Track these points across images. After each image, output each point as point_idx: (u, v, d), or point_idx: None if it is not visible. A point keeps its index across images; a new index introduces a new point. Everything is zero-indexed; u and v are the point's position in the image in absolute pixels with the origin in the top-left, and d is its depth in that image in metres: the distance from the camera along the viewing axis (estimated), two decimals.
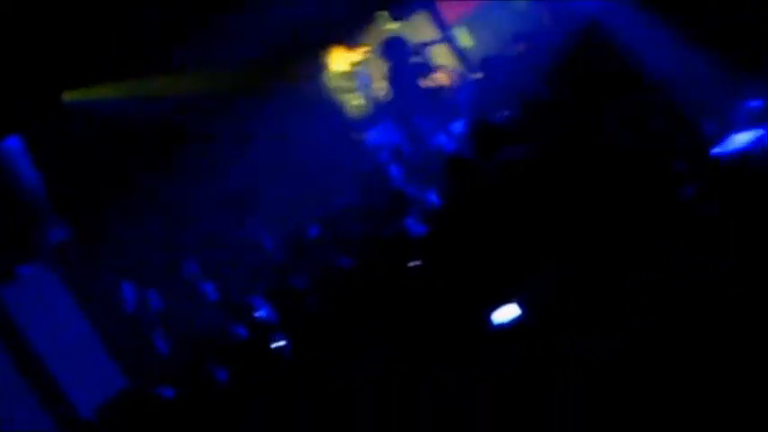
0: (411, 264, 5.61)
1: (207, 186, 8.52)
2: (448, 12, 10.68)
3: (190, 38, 8.42)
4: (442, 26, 10.57)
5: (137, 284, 7.82)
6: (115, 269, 7.85)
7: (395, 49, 10.63)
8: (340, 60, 9.29)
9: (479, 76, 8.68)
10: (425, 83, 9.17)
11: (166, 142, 8.47)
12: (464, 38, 10.61)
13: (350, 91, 9.06)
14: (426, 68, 10.38)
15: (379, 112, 9.17)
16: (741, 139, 4.05)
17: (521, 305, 4.33)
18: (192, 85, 8.82)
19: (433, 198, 6.69)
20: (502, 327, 4.39)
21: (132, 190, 8.32)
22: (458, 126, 8.81)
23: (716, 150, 4.79)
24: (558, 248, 4.38)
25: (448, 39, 10.41)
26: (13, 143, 7.89)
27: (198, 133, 8.60)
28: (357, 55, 9.47)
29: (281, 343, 5.69)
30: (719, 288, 3.60)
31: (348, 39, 9.71)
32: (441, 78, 9.18)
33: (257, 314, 6.72)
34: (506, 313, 4.34)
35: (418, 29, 10.51)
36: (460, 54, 10.15)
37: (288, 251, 8.00)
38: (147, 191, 8.29)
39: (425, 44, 10.22)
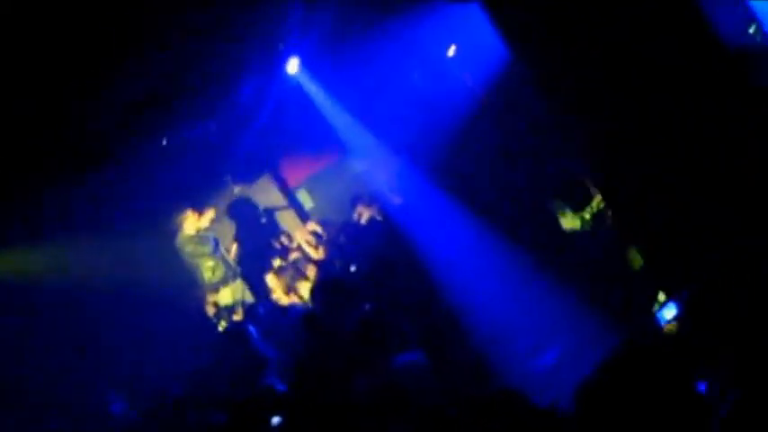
0: (274, 421, 5.96)
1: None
2: (289, 176, 11.57)
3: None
4: (285, 189, 11.40)
5: None
6: None
7: (241, 211, 11.31)
8: (190, 224, 9.67)
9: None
10: (274, 244, 9.77)
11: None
12: (306, 200, 11.48)
13: (202, 255, 9.48)
14: (273, 229, 11.12)
15: (232, 273, 9.63)
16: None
17: None
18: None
19: (290, 356, 7.15)
20: None
21: None
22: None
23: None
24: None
25: (291, 201, 11.21)
26: None
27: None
28: (205, 219, 9.90)
29: None
30: None
31: (196, 203, 10.18)
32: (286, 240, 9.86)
33: None
34: None
35: (263, 192, 11.27)
36: (304, 216, 10.93)
37: (144, 413, 8.12)
38: None
39: (272, 208, 10.97)
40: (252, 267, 9.86)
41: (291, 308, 8.28)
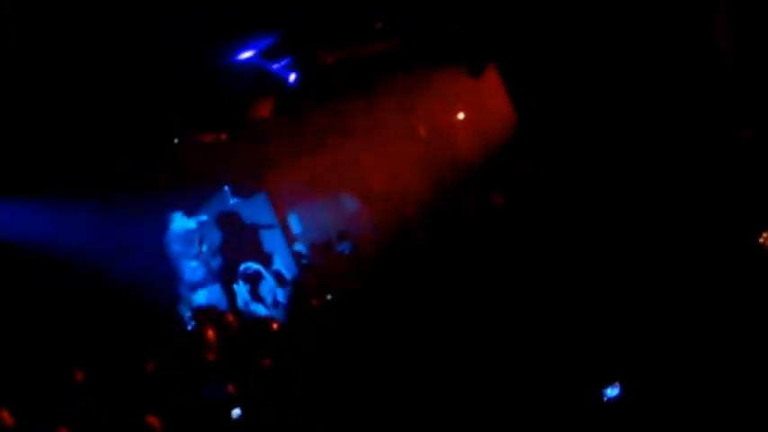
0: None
1: None
2: (285, 198, 12.02)
3: None
4: (277, 210, 11.83)
5: None
6: None
7: (230, 222, 11.72)
8: (180, 224, 10.05)
9: None
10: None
11: None
12: (295, 224, 11.93)
13: (186, 255, 9.85)
14: (256, 244, 11.53)
15: (211, 276, 9.99)
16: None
17: None
18: None
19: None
20: None
21: None
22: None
23: None
24: None
25: (279, 223, 11.64)
26: None
27: None
28: (194, 221, 10.29)
29: None
30: None
31: (190, 204, 10.58)
32: None
33: None
34: None
35: (256, 208, 11.69)
36: (293, 236, 11.36)
37: None
38: None
39: (259, 225, 11.39)
40: (228, 275, 10.26)
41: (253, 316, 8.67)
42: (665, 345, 5.30)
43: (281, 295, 10.04)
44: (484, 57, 8.09)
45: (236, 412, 5.64)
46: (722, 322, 5.19)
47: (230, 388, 6.42)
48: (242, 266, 10.25)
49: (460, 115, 12.50)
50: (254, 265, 10.17)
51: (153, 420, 5.99)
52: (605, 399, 4.93)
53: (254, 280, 10.13)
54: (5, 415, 6.82)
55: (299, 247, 10.47)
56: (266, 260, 10.87)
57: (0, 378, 7.63)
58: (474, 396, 5.37)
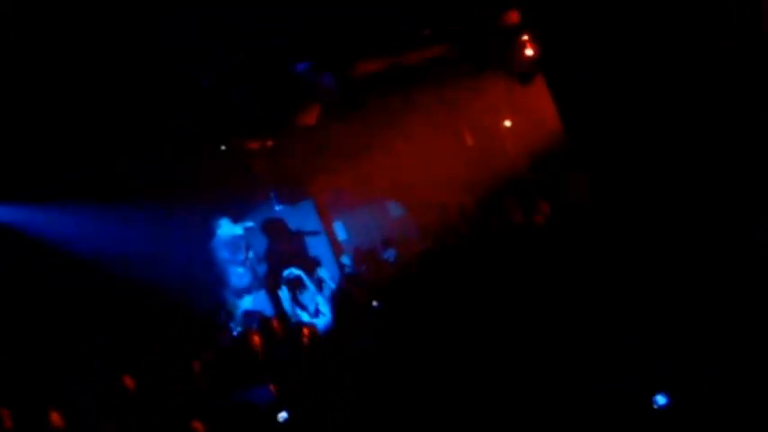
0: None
1: None
2: (330, 206, 12.07)
3: None
4: (323, 217, 11.88)
5: None
6: None
7: (275, 228, 11.79)
8: (226, 230, 10.13)
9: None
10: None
11: None
12: (340, 231, 11.96)
13: (232, 261, 9.93)
14: (300, 251, 11.59)
15: (257, 283, 10.06)
16: None
17: None
18: None
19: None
20: None
21: None
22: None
23: None
24: None
25: (324, 230, 11.69)
26: None
27: None
28: (240, 228, 10.35)
29: None
30: None
31: (235, 213, 10.68)
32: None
33: None
34: None
35: (302, 216, 11.76)
36: (338, 243, 11.39)
37: None
38: None
39: (306, 232, 11.45)
40: (273, 281, 10.32)
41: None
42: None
43: (322, 303, 10.05)
44: (532, 64, 8.03)
45: (282, 416, 5.64)
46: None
47: (275, 391, 6.44)
48: (285, 272, 10.30)
49: (507, 123, 12.43)
50: (296, 271, 10.21)
51: (198, 425, 6.02)
52: (656, 406, 4.87)
53: (295, 286, 10.16)
54: (55, 417, 6.93)
55: (344, 259, 10.51)
56: (311, 267, 10.91)
57: (40, 381, 7.77)
58: (515, 401, 5.34)
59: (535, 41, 8.36)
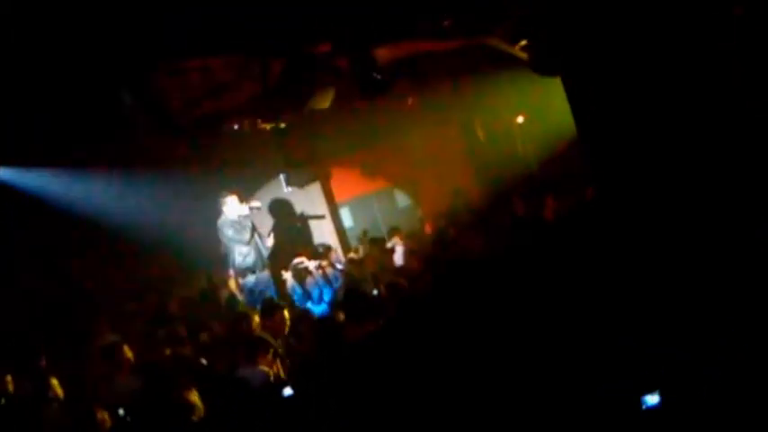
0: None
1: None
2: (338, 191, 12.09)
3: None
4: (330, 202, 11.90)
5: None
6: None
7: (282, 210, 11.83)
8: (233, 209, 10.14)
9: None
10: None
11: None
12: (346, 217, 11.98)
13: (239, 241, 9.94)
14: (305, 234, 11.63)
15: (261, 263, 10.09)
16: None
17: None
18: None
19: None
20: None
21: None
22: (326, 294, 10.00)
23: None
24: None
25: (330, 215, 11.70)
26: None
27: None
28: (247, 207, 10.36)
29: None
30: None
31: (244, 192, 10.70)
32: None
33: None
34: None
35: (309, 199, 11.78)
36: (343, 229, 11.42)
37: None
38: None
39: (308, 216, 11.48)
40: (277, 262, 10.38)
41: (305, 311, 8.73)
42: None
43: (327, 291, 10.09)
44: (553, 59, 7.98)
45: (286, 391, 5.63)
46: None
47: (276, 369, 6.43)
48: (294, 261, 10.34)
49: (520, 118, 12.42)
50: (305, 262, 10.28)
51: (193, 396, 6.04)
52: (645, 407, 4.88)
53: (303, 276, 10.21)
54: (54, 383, 6.96)
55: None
56: (315, 252, 10.95)
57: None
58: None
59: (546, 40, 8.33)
